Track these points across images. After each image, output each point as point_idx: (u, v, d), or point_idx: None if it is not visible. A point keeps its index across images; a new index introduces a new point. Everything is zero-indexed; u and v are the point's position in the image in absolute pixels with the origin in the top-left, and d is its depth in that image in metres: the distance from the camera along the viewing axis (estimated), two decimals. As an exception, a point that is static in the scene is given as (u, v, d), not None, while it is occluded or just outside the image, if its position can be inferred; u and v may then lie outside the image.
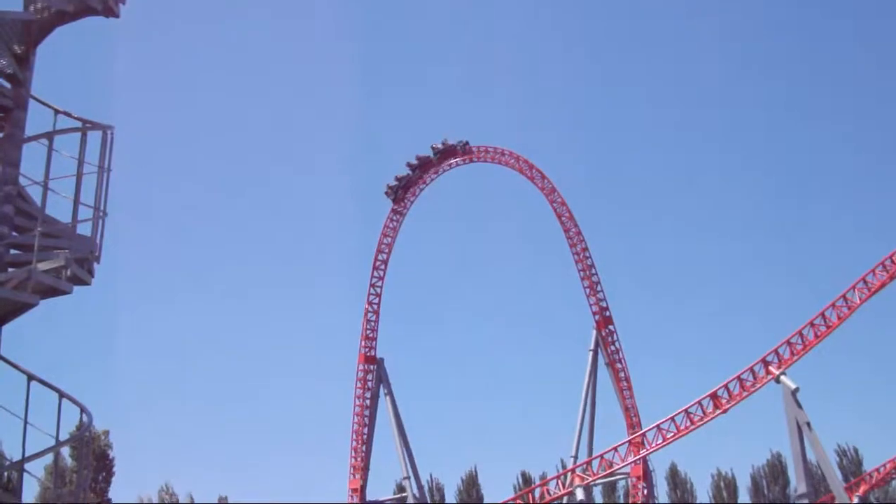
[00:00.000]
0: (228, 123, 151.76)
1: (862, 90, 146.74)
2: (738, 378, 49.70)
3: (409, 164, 68.09)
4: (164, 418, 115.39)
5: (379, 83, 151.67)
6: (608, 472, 52.33)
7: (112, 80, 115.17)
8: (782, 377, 48.77)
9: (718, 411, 49.18)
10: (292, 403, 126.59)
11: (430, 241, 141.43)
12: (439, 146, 67.17)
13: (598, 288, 63.90)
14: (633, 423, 60.63)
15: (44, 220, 12.34)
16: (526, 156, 65.71)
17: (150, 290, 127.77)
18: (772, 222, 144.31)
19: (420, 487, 64.52)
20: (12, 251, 12.48)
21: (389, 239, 67.95)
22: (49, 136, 12.58)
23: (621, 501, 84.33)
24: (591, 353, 62.43)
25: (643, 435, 52.37)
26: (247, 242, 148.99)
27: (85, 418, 13.21)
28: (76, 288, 12.63)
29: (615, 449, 52.07)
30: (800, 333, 50.26)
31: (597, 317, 63.34)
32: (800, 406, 48.30)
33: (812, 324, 50.41)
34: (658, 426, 50.55)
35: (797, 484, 49.97)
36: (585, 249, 64.39)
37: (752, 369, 49.81)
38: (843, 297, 50.83)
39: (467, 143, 66.98)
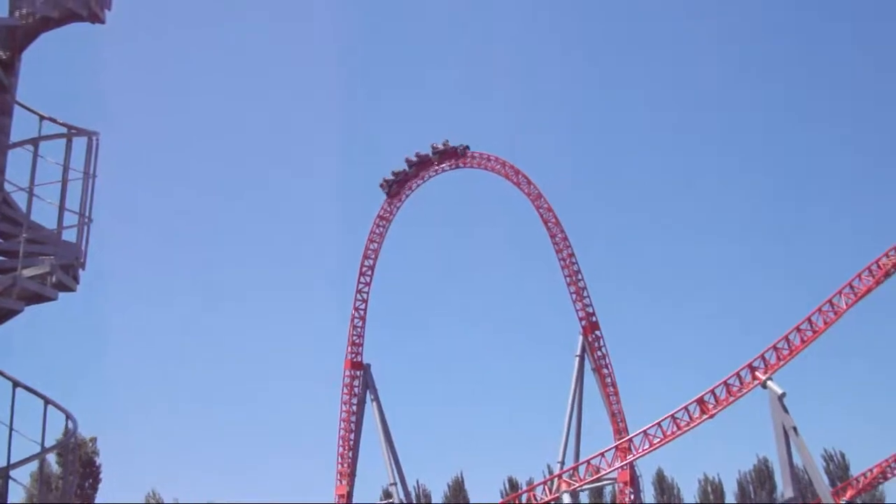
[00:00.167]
0: (217, 128, 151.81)
1: (859, 93, 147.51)
2: (725, 383, 49.79)
3: (407, 160, 67.96)
4: (151, 424, 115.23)
5: (372, 86, 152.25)
6: (595, 477, 52.34)
7: (98, 86, 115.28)
8: (769, 382, 48.87)
9: (705, 416, 49.25)
10: (279, 409, 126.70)
11: (417, 247, 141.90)
12: (440, 147, 67.08)
13: (585, 293, 64.06)
14: (620, 429, 60.76)
15: (29, 226, 12.27)
16: (521, 160, 66.34)
17: (136, 296, 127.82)
18: (759, 228, 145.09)
19: (407, 493, 64.49)
20: (-3, 257, 12.44)
21: (376, 245, 67.91)
22: (34, 141, 12.52)
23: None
24: (577, 358, 62.54)
25: (630, 440, 52.40)
26: (233, 248, 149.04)
27: (70, 425, 13.16)
28: (61, 294, 12.58)
29: (602, 454, 52.13)
30: (786, 338, 50.35)
31: (583, 322, 63.46)
32: (786, 411, 48.41)
33: (798, 329, 50.51)
34: (645, 431, 50.61)
35: (784, 489, 50.10)
36: (572, 255, 64.54)
37: (738, 374, 49.91)
38: (830, 301, 50.93)
39: (467, 147, 66.91)
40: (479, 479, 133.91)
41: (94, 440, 72.23)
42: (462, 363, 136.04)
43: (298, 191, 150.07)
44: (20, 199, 12.55)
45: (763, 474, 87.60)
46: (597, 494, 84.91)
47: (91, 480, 71.40)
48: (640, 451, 50.90)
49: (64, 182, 12.55)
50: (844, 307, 50.75)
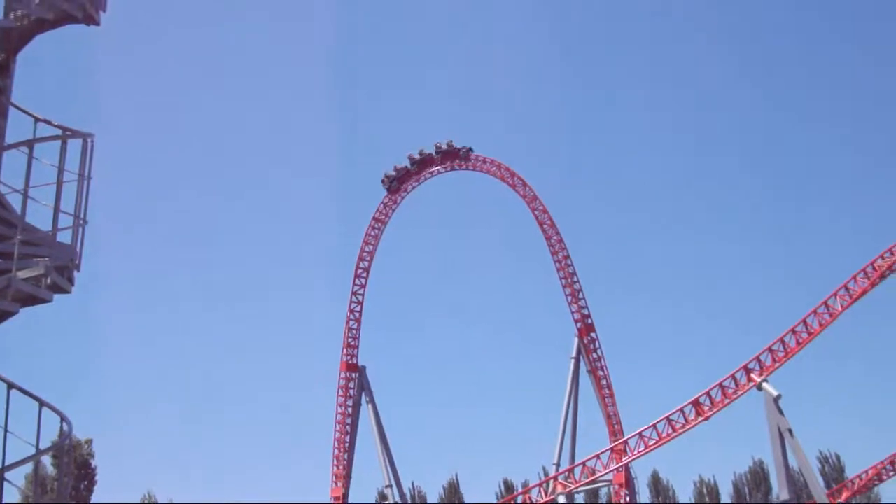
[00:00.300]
0: (213, 129, 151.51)
1: (857, 93, 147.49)
2: (720, 385, 49.82)
3: (410, 157, 67.88)
4: (147, 426, 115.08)
5: (371, 86, 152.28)
6: (590, 479, 52.41)
7: (93, 88, 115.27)
8: (764, 384, 48.89)
9: (700, 418, 49.27)
10: (274, 411, 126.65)
11: (413, 249, 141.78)
12: (443, 146, 67.00)
13: (580, 295, 64.08)
14: (616, 431, 60.77)
15: (24, 228, 12.27)
16: (517, 161, 66.05)
17: (131, 298, 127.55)
18: (756, 229, 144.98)
19: (402, 495, 64.48)
20: (-8, 259, 12.43)
21: (371, 246, 67.80)
22: (29, 143, 12.52)
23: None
24: (572, 360, 62.59)
25: (625, 442, 52.48)
26: (229, 249, 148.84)
27: (65, 427, 13.17)
28: (56, 296, 12.59)
29: (597, 456, 52.19)
30: (781, 340, 50.37)
31: (578, 324, 63.47)
32: (781, 413, 48.43)
33: (794, 331, 50.53)
34: (640, 433, 50.65)
35: (779, 491, 50.11)
36: (567, 257, 64.57)
37: (734, 376, 49.93)
38: (825, 303, 50.97)
39: (470, 149, 66.75)
40: (475, 480, 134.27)
41: (89, 442, 72.04)
42: (457, 365, 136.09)
43: (295, 192, 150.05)
44: (15, 201, 12.55)
45: (758, 476, 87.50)
46: (592, 496, 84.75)
47: (86, 482, 71.23)
48: (636, 452, 50.95)
49: (59, 184, 12.56)
50: (840, 309, 50.79)
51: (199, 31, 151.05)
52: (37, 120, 13.13)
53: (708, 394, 49.73)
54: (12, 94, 12.97)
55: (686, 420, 49.48)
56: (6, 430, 12.40)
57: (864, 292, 51.19)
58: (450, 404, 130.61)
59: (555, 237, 64.78)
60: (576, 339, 63.19)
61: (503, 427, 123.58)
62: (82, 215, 12.91)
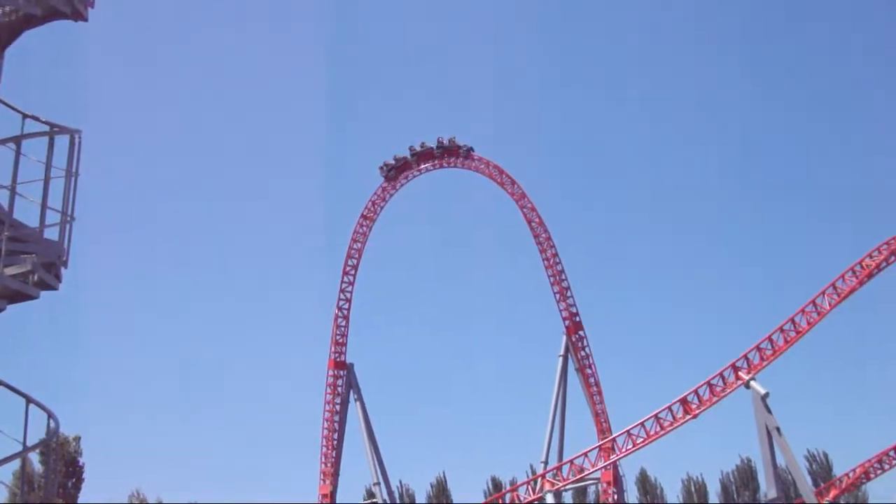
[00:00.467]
0: (200, 126, 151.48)
1: (845, 89, 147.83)
2: (708, 383, 49.92)
3: (411, 148, 67.66)
4: (135, 424, 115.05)
5: (357, 87, 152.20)
6: (578, 477, 52.42)
7: (80, 84, 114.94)
8: (752, 382, 49.00)
9: (688, 416, 49.37)
10: (262, 408, 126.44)
11: (401, 247, 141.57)
12: (445, 141, 66.80)
13: (569, 293, 64.03)
14: (604, 429, 60.74)
15: (11, 224, 12.23)
16: (503, 160, 65.87)
17: (119, 295, 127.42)
18: (744, 228, 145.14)
19: (390, 493, 64.45)
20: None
21: (359, 244, 67.68)
22: (17, 139, 12.47)
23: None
24: (561, 358, 62.56)
25: (613, 440, 52.50)
26: (217, 247, 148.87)
27: (52, 424, 13.14)
28: (43, 293, 12.55)
29: (585, 454, 52.19)
30: (769, 339, 50.51)
31: (567, 322, 63.42)
32: (769, 411, 48.52)
33: (782, 329, 50.67)
34: (628, 431, 50.71)
35: (767, 489, 50.22)
36: (556, 255, 64.50)
37: (721, 375, 50.05)
38: (813, 302, 51.11)
39: (471, 149, 66.53)
40: (463, 478, 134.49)
41: (77, 439, 72.03)
42: (445, 363, 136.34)
43: (283, 190, 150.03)
44: (2, 197, 12.48)
45: (746, 474, 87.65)
46: (580, 494, 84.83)
47: (74, 480, 71.19)
48: (624, 450, 50.99)
49: (46, 180, 12.50)
50: (828, 308, 50.94)
51: (185, 28, 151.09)
52: (24, 116, 13.08)
53: (696, 392, 49.82)
54: (0, 89, 12.93)
55: (674, 418, 49.56)
56: (-7, 428, 12.37)
57: (852, 291, 51.35)
58: (438, 402, 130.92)
59: (543, 235, 64.72)
60: (564, 337, 63.13)
61: (491, 425, 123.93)
62: (70, 212, 12.85)
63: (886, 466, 59.07)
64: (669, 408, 49.76)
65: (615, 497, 59.37)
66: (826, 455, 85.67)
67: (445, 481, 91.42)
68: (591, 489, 79.58)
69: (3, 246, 11.92)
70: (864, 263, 51.67)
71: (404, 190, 68.56)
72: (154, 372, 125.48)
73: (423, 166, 67.42)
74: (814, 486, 63.00)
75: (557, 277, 64.32)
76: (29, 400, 12.82)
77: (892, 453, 58.50)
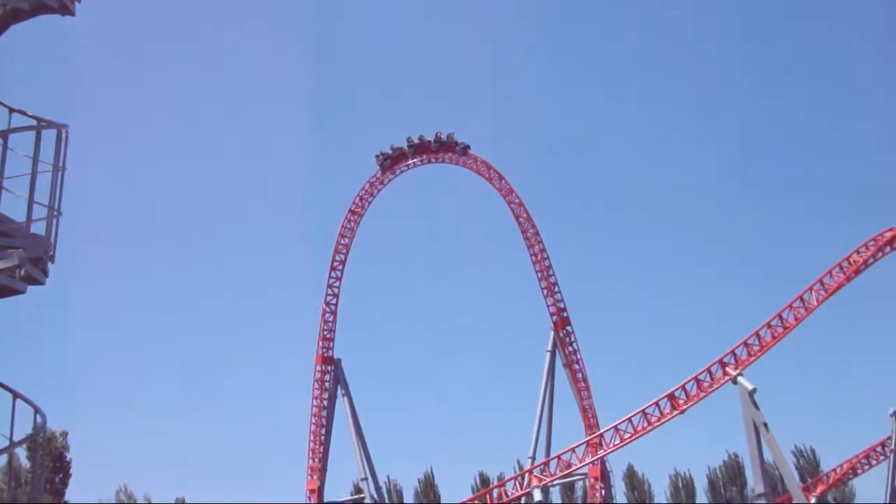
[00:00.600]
0: (189, 122, 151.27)
1: (839, 87, 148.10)
2: (696, 379, 50.00)
3: (408, 139, 67.35)
4: (123, 419, 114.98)
5: (348, 83, 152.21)
6: (566, 472, 52.40)
7: (67, 79, 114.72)
8: (739, 378, 49.08)
9: (676, 412, 49.43)
10: (250, 404, 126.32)
11: (390, 242, 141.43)
12: (443, 136, 66.60)
13: (556, 289, 64.09)
14: (591, 424, 60.82)
15: (-2, 218, 12.21)
16: (491, 156, 65.76)
17: (106, 290, 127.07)
18: (732, 224, 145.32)
19: (378, 488, 64.36)
20: (-35, 250, 12.34)
21: (347, 239, 67.51)
22: (3, 134, 12.43)
23: (579, 502, 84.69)
24: (548, 353, 62.60)
25: (601, 435, 52.55)
26: (205, 243, 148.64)
27: (39, 419, 13.10)
28: (30, 288, 12.52)
29: (573, 450, 52.17)
30: (757, 334, 50.60)
31: (554, 318, 63.47)
32: (757, 407, 48.60)
33: (769, 325, 50.77)
34: (615, 427, 50.75)
35: (755, 484, 50.39)
36: (543, 250, 64.54)
37: (709, 370, 50.12)
38: (801, 298, 51.21)
39: (468, 146, 66.33)
40: (451, 474, 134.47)
41: (64, 434, 71.84)
42: (433, 358, 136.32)
43: (270, 185, 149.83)
44: (-11, 192, 12.46)
45: (733, 470, 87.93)
46: (568, 490, 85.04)
47: (62, 475, 71.00)
48: (611, 446, 51.04)
49: (33, 175, 12.47)
50: (815, 303, 51.06)
51: (173, 24, 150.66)
52: (11, 110, 13.02)
53: (683, 387, 49.90)
54: (-14, 84, 12.89)
55: (661, 413, 49.61)
56: (-21, 423, 12.35)
57: (840, 287, 51.48)
58: (425, 397, 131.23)
59: (531, 230, 64.73)
60: (551, 333, 63.18)
61: (479, 420, 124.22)
62: (56, 206, 12.83)
63: (874, 462, 59.35)
64: (657, 403, 49.80)
65: (602, 492, 59.48)
66: (813, 450, 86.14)
67: (433, 477, 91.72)
68: (579, 484, 79.88)
69: (-11, 240, 11.89)
70: (851, 259, 51.82)
71: (393, 185, 68.47)
72: (141, 368, 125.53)
73: (417, 159, 67.15)
74: (801, 482, 63.21)
75: (545, 273, 64.34)
76: (15, 395, 12.79)
77: (879, 449, 58.76)
